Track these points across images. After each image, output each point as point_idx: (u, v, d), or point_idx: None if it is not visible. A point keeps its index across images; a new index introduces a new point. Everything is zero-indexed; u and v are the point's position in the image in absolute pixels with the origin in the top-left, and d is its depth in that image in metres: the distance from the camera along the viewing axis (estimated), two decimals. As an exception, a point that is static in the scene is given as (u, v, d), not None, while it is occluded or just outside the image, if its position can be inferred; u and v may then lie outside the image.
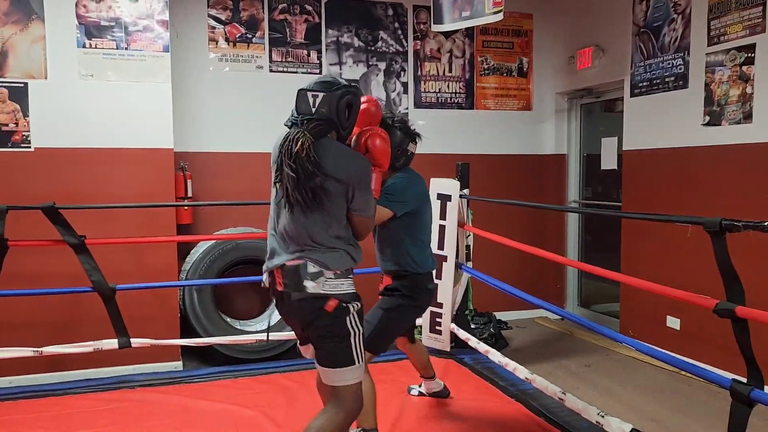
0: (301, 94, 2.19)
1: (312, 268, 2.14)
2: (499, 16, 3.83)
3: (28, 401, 3.42)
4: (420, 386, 3.50)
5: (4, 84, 3.79)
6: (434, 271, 2.97)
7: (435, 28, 4.25)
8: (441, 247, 3.97)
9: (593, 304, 5.62)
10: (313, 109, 2.16)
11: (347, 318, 2.17)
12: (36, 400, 3.44)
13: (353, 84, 2.30)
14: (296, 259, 2.16)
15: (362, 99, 2.40)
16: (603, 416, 2.63)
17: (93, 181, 3.96)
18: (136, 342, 3.57)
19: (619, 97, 4.96)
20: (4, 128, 3.80)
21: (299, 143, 2.07)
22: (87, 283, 3.48)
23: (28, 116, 3.83)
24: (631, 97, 4.63)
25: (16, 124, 3.82)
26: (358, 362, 2.21)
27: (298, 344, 2.41)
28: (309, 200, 2.10)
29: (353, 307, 2.19)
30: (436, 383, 3.44)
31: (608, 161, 5.04)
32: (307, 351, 2.33)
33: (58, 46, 3.87)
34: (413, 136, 2.86)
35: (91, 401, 3.44)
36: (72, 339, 3.64)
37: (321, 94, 2.16)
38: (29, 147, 3.85)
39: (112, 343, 3.53)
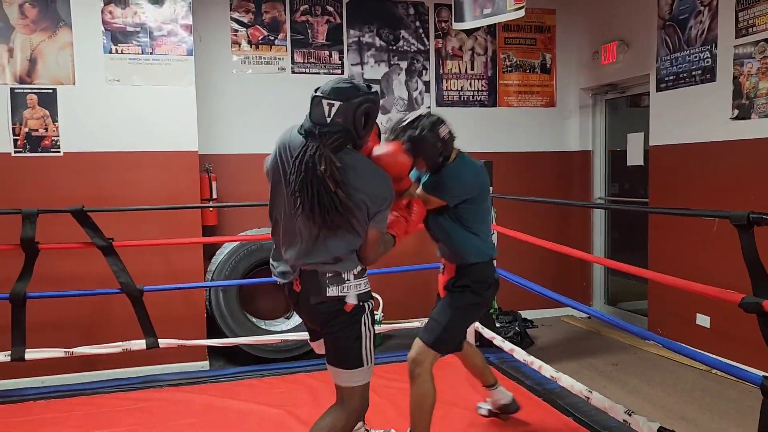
0: (316, 101, 2.08)
1: (330, 273, 2.14)
2: (521, 13, 3.81)
3: (60, 401, 3.49)
4: (487, 402, 3.20)
5: (34, 90, 3.87)
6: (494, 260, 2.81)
7: (456, 26, 4.24)
8: (464, 245, 3.95)
9: (620, 301, 5.54)
10: (329, 119, 2.05)
11: (362, 318, 2.17)
12: (67, 400, 3.51)
13: (372, 90, 2.14)
14: (313, 264, 2.14)
15: (387, 150, 2.28)
16: (630, 414, 2.59)
17: (120, 184, 4.03)
18: (163, 342, 3.62)
19: (644, 91, 4.88)
20: (34, 134, 3.89)
21: (323, 163, 2.00)
22: (115, 285, 3.55)
23: (57, 121, 3.92)
24: (657, 91, 4.55)
25: (46, 129, 3.91)
26: (367, 364, 2.20)
27: (309, 340, 2.41)
28: (330, 219, 2.05)
29: (368, 306, 2.20)
30: (501, 393, 3.12)
31: (634, 157, 4.97)
32: (319, 347, 2.34)
33: (85, 52, 3.95)
34: (436, 123, 2.62)
35: (119, 400, 3.50)
36: (101, 340, 3.71)
37: (337, 104, 2.04)
38: (59, 152, 3.93)
39: (140, 344, 3.59)
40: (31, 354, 3.44)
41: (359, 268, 2.18)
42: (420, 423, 2.56)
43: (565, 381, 3.01)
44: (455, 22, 4.23)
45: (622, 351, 4.53)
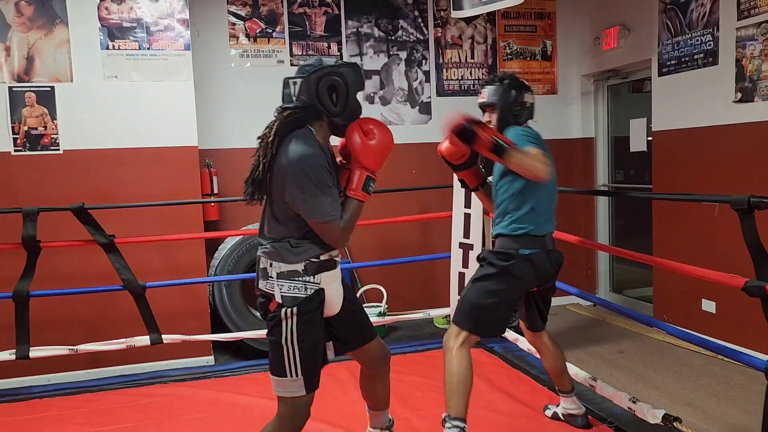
0: (284, 82, 2.06)
1: (262, 263, 2.08)
2: (520, 0, 3.77)
3: (65, 398, 3.50)
4: (557, 406, 2.98)
5: (32, 88, 3.87)
6: (548, 237, 2.60)
7: (455, 14, 4.21)
8: (467, 235, 3.94)
9: (626, 289, 5.52)
10: (294, 98, 2.02)
11: (282, 324, 2.01)
12: (72, 397, 3.51)
13: (340, 64, 2.06)
14: (260, 252, 2.11)
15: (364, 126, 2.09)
16: (635, 402, 2.58)
17: (120, 180, 4.02)
18: (167, 338, 3.63)
19: (646, 77, 4.84)
20: (33, 132, 3.89)
21: (264, 133, 2.02)
22: (118, 282, 3.55)
23: (56, 119, 3.91)
24: (659, 76, 4.51)
25: (45, 127, 3.90)
26: (291, 376, 2.02)
27: None
28: (257, 192, 2.03)
29: (291, 312, 2.01)
30: (573, 403, 2.88)
31: (637, 143, 4.93)
32: None
33: (83, 48, 3.93)
34: (527, 87, 2.69)
35: (125, 396, 3.50)
36: (105, 337, 3.72)
37: (299, 81, 2.01)
38: (58, 149, 3.93)
39: (144, 340, 3.59)
40: (35, 352, 3.45)
41: (291, 267, 2.03)
42: (451, 402, 2.40)
43: (570, 369, 2.99)
44: (454, 10, 4.20)
45: (628, 338, 4.51)
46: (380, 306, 4.71)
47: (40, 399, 3.49)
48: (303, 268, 2.04)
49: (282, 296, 2.03)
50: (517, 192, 2.54)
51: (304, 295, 2.03)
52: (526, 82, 2.72)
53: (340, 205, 2.04)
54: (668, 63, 4.41)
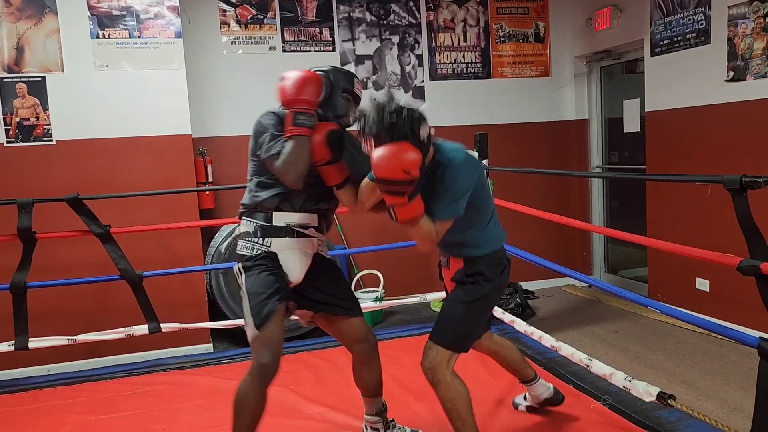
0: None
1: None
2: (511, -19, 3.74)
3: (66, 387, 3.52)
4: (525, 397, 2.93)
5: (22, 79, 3.84)
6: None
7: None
8: (462, 219, 3.95)
9: (620, 269, 5.55)
10: None
11: (237, 279, 2.34)
12: (73, 386, 3.54)
13: (332, 66, 2.43)
14: None
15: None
16: (630, 381, 2.61)
17: (115, 170, 4.01)
18: (166, 327, 3.64)
19: (639, 57, 4.83)
20: (25, 123, 3.87)
21: None
22: (115, 272, 3.55)
23: (48, 110, 3.89)
24: (651, 56, 4.51)
25: (37, 118, 3.88)
26: (247, 319, 2.24)
27: None
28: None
29: (239, 268, 2.31)
30: (542, 386, 2.83)
31: (631, 124, 4.93)
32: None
33: (72, 38, 3.90)
34: (418, 122, 2.05)
35: (125, 385, 3.53)
36: (104, 326, 3.73)
37: None
38: (51, 140, 3.91)
39: (142, 329, 3.60)
40: (34, 343, 3.46)
41: (245, 228, 2.34)
42: (463, 425, 2.29)
43: (566, 350, 3.03)
44: (445, -7, 4.17)
45: (623, 318, 4.55)
46: (377, 291, 4.73)
47: (41, 389, 3.51)
48: (253, 229, 2.31)
49: (238, 254, 2.34)
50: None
51: (250, 254, 2.29)
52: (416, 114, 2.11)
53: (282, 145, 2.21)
54: (661, 43, 4.41)
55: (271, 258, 2.27)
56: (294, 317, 2.51)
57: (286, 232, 2.29)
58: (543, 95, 5.46)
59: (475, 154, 3.99)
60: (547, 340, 3.19)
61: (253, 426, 2.23)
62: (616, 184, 5.50)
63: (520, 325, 3.53)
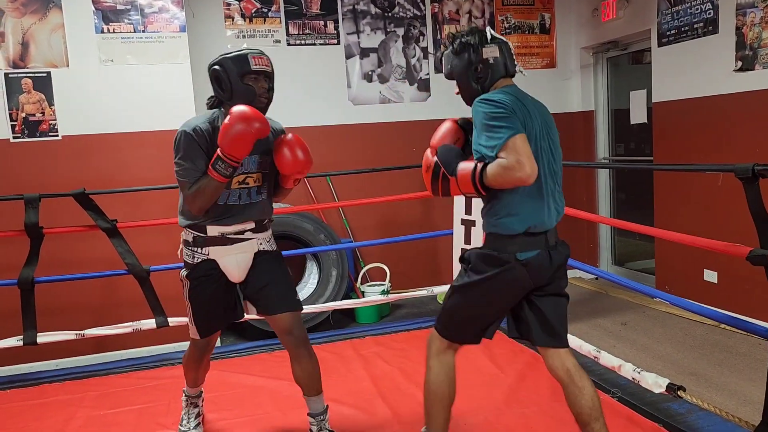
0: None
1: None
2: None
3: (74, 382, 3.54)
4: None
5: (28, 74, 3.84)
6: (541, 234, 2.06)
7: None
8: (468, 212, 3.94)
9: (628, 261, 5.53)
10: None
11: (182, 285, 2.47)
12: (81, 381, 3.55)
13: (222, 55, 2.33)
14: None
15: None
16: (639, 372, 2.60)
17: (120, 165, 4.01)
18: (173, 321, 3.65)
19: (646, 47, 4.80)
20: (31, 118, 3.87)
21: None
22: (122, 266, 3.56)
23: (53, 105, 3.89)
24: (658, 46, 4.47)
25: (43, 113, 3.89)
26: (190, 324, 2.49)
27: None
28: None
29: (183, 275, 2.44)
30: None
31: (638, 115, 4.90)
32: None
33: (77, 33, 3.90)
34: (483, 39, 2.10)
35: (132, 379, 3.54)
36: (111, 321, 3.74)
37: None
38: (57, 135, 3.91)
39: (150, 323, 3.61)
40: (43, 338, 3.47)
41: (185, 237, 2.42)
42: (429, 417, 2.24)
43: (574, 342, 3.01)
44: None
45: (631, 310, 4.53)
46: (383, 284, 4.72)
47: (50, 384, 3.52)
48: (192, 239, 2.40)
49: (184, 261, 2.45)
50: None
51: (192, 263, 2.41)
52: (487, 31, 2.14)
53: (201, 173, 2.25)
54: (668, 33, 4.37)
55: (210, 265, 2.40)
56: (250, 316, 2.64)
57: (223, 240, 2.38)
58: (549, 87, 5.43)
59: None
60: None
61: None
62: (623, 175, 5.48)
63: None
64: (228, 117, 2.17)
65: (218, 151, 2.18)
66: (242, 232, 2.40)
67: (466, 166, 2.02)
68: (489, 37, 2.12)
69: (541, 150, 2.04)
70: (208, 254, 2.39)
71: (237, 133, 2.14)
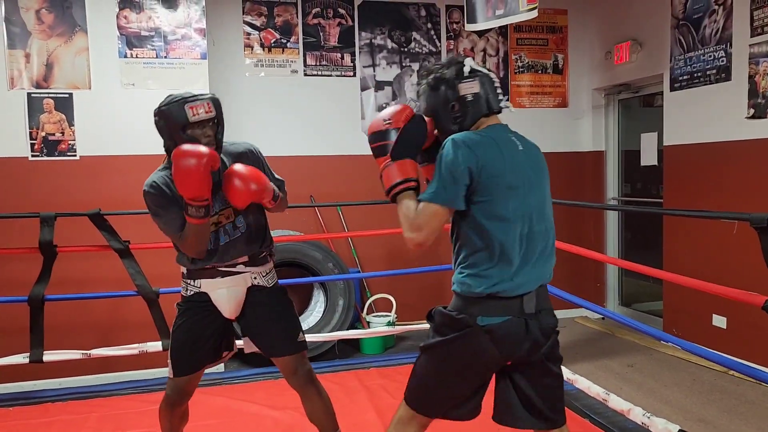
0: None
1: None
2: (534, 14, 3.80)
3: (78, 402, 3.53)
4: None
5: (50, 95, 3.91)
6: (514, 298, 1.77)
7: (469, 27, 4.23)
8: (478, 247, 3.96)
9: (635, 302, 5.51)
10: None
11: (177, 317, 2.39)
12: (85, 401, 3.54)
13: (170, 99, 2.23)
14: None
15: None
16: (649, 417, 2.58)
17: (136, 187, 3.95)
18: (179, 344, 3.64)
19: (658, 91, 4.86)
20: (51, 138, 3.93)
21: None
22: (131, 287, 3.57)
23: (73, 125, 3.95)
24: (671, 91, 4.53)
25: (63, 133, 3.95)
26: (168, 359, 2.35)
27: None
28: None
29: (177, 306, 2.40)
30: None
31: (648, 157, 4.94)
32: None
33: (101, 56, 3.98)
34: (460, 73, 1.86)
35: (136, 402, 3.52)
36: (118, 342, 3.74)
37: None
38: (75, 155, 3.97)
39: (156, 346, 3.60)
40: (49, 356, 3.47)
41: (181, 269, 2.39)
42: None
43: (582, 383, 3.00)
44: (468, 23, 4.23)
45: (638, 352, 4.50)
46: (389, 315, 4.72)
47: (53, 402, 3.52)
48: (185, 272, 2.37)
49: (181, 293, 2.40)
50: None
51: (184, 295, 2.37)
52: (467, 63, 1.89)
53: (181, 220, 2.18)
54: (680, 78, 4.43)
55: (202, 298, 2.33)
56: (239, 343, 2.50)
57: (213, 273, 2.31)
58: (560, 126, 5.49)
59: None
60: (563, 373, 3.15)
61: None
62: (631, 216, 5.49)
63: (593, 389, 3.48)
64: (173, 164, 2.08)
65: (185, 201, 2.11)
66: (234, 265, 2.33)
67: (402, 168, 1.83)
68: (468, 69, 1.86)
69: (525, 208, 1.80)
70: (200, 287, 2.33)
71: (185, 175, 2.04)
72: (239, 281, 2.33)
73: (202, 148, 2.07)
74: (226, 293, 2.32)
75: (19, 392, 3.74)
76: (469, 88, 1.84)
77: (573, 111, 5.53)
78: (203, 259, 2.28)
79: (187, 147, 2.08)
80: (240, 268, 2.33)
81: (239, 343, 2.49)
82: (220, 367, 4.21)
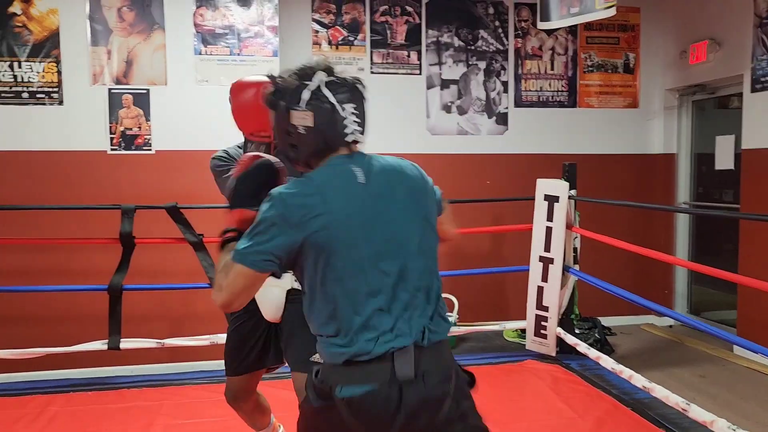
0: None
1: None
2: (611, 11, 3.72)
3: (151, 389, 3.63)
4: None
5: (129, 91, 4.03)
6: (381, 361, 1.42)
7: (541, 25, 4.17)
8: (547, 249, 3.90)
9: (704, 311, 5.32)
10: None
11: None
12: (158, 389, 3.64)
13: None
14: None
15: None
16: (735, 430, 2.48)
17: (209, 181, 4.06)
18: (248, 336, 3.70)
19: (736, 92, 4.67)
20: (128, 132, 4.05)
21: None
22: (204, 279, 3.65)
23: (149, 120, 4.07)
24: (752, 92, 4.35)
25: (140, 128, 4.06)
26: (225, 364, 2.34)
27: None
28: None
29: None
30: None
31: (723, 161, 4.76)
32: None
33: (177, 53, 4.08)
34: (292, 98, 1.51)
35: (208, 392, 3.59)
36: (190, 332, 3.84)
37: None
38: (150, 150, 4.08)
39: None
40: (126, 343, 3.59)
41: None
42: None
43: (660, 392, 2.92)
44: (540, 21, 4.17)
45: (709, 362, 4.35)
46: (451, 315, 4.69)
47: (128, 389, 3.63)
48: None
49: None
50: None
51: None
52: (314, 82, 1.50)
53: None
54: (763, 79, 4.25)
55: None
56: None
57: None
58: (630, 127, 5.34)
59: (565, 183, 3.93)
60: (638, 380, 3.08)
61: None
62: (703, 221, 5.31)
63: (607, 362, 3.42)
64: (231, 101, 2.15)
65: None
66: None
67: (229, 218, 1.67)
68: (306, 96, 1.49)
69: (378, 259, 1.47)
70: None
71: (244, 107, 2.07)
72: (280, 282, 2.16)
73: (259, 78, 1.99)
74: (267, 294, 2.17)
75: (96, 377, 3.87)
76: (301, 119, 1.49)
77: (644, 112, 5.37)
78: None
79: (243, 79, 2.08)
80: None
81: None
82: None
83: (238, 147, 2.31)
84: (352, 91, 1.54)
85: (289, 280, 2.16)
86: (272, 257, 1.45)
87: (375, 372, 1.42)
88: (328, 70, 1.53)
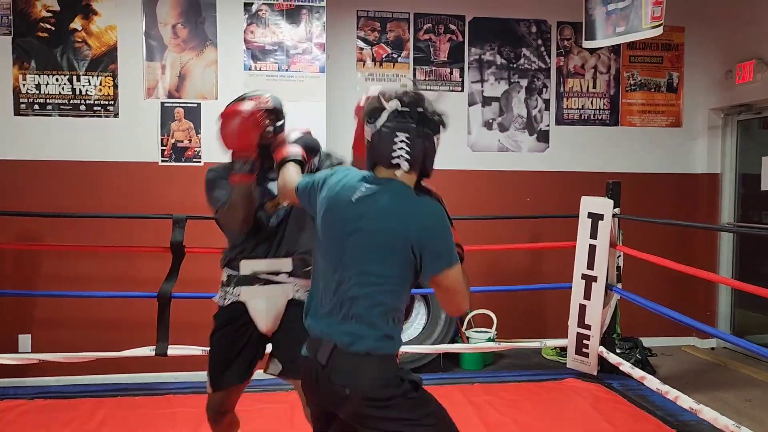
0: None
1: None
2: (658, 31, 3.73)
3: (197, 396, 3.65)
4: None
5: (181, 104, 4.17)
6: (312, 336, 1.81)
7: (587, 44, 4.19)
8: (591, 267, 3.89)
9: (747, 334, 5.22)
10: None
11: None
12: (203, 396, 3.65)
13: None
14: None
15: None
16: (789, 456, 2.44)
17: None
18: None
19: (784, 113, 4.62)
20: (179, 144, 4.18)
21: None
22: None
23: (200, 134, 4.19)
24: (800, 113, 4.30)
25: (190, 140, 4.19)
26: (208, 379, 2.37)
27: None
28: None
29: (214, 317, 2.43)
30: None
31: (770, 182, 4.69)
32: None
33: (228, 69, 4.21)
34: (371, 112, 1.76)
35: (251, 401, 3.59)
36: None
37: None
38: (200, 162, 4.20)
39: (268, 348, 3.72)
40: (173, 350, 3.67)
41: (222, 277, 2.40)
42: None
43: (708, 414, 2.88)
44: (585, 40, 4.19)
45: (755, 387, 4.26)
46: (489, 332, 4.69)
47: (174, 395, 3.71)
48: (226, 279, 2.35)
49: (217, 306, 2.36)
50: None
51: (221, 304, 2.34)
52: (387, 105, 1.73)
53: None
54: (812, 100, 4.20)
55: (239, 310, 2.29)
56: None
57: (254, 280, 2.27)
58: (672, 146, 5.30)
59: (610, 201, 3.92)
60: (685, 401, 3.05)
61: None
62: (748, 243, 5.21)
63: (652, 382, 3.39)
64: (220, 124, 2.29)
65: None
66: (277, 273, 2.28)
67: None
68: (376, 116, 1.72)
69: (334, 257, 1.76)
70: (238, 295, 2.29)
71: (229, 129, 2.29)
72: (280, 292, 2.28)
73: (246, 106, 2.28)
74: (264, 305, 2.27)
75: (143, 383, 3.97)
76: (369, 131, 1.75)
77: (687, 131, 5.33)
78: (252, 245, 2.27)
79: (231, 105, 2.30)
80: (282, 277, 2.29)
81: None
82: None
83: (227, 165, 2.42)
84: (416, 123, 1.71)
85: (291, 291, 2.29)
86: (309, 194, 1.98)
87: (310, 342, 1.80)
88: (402, 101, 1.71)
